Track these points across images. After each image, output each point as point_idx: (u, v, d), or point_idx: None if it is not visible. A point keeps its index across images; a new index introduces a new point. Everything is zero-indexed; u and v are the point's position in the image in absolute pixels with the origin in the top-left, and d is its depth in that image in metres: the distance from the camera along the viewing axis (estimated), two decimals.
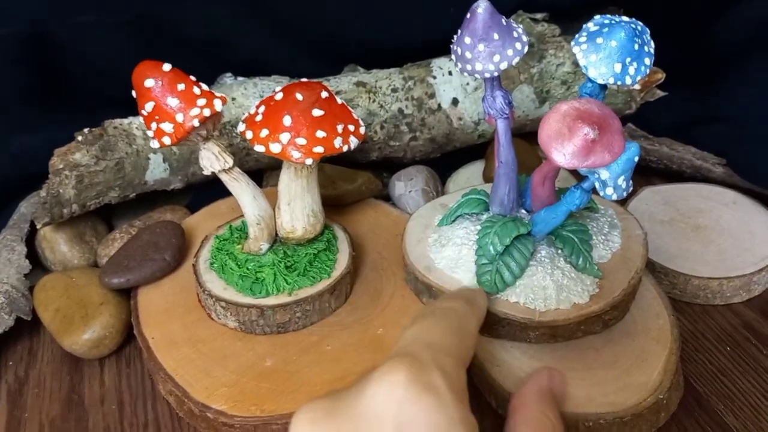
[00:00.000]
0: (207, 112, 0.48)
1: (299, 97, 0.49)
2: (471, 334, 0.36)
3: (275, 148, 0.49)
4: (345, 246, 0.58)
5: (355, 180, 0.66)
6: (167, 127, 0.48)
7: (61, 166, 0.61)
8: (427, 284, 0.53)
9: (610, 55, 0.43)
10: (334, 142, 0.49)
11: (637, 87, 0.66)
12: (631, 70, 0.43)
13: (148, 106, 0.48)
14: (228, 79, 0.73)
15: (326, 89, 0.51)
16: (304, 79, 0.52)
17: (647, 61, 0.43)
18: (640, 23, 0.44)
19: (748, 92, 0.65)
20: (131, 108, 0.52)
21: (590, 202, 0.53)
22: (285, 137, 0.49)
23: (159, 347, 0.53)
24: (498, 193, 0.52)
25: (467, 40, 0.45)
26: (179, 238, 0.60)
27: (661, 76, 0.66)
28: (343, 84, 0.69)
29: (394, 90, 0.69)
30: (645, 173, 0.74)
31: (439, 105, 0.68)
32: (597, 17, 0.45)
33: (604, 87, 0.46)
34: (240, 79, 0.73)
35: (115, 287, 0.58)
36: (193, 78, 0.49)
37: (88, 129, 0.64)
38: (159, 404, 0.54)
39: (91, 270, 0.62)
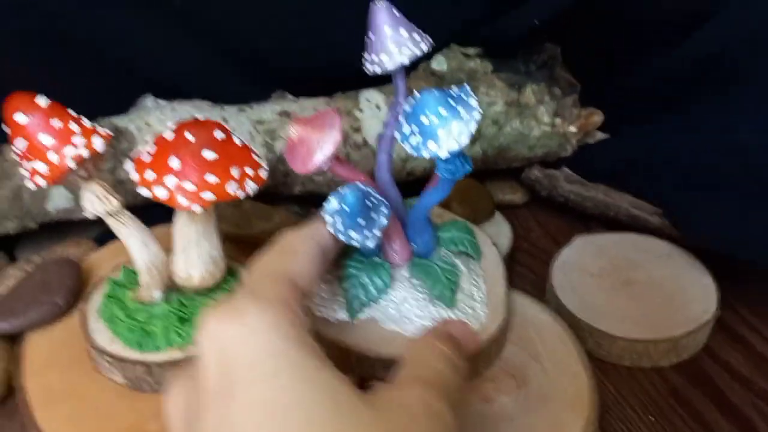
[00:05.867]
0: (85, 153, 0.44)
1: (189, 137, 0.45)
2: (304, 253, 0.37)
3: (160, 193, 0.44)
4: None
5: (271, 218, 0.62)
6: (41, 167, 0.43)
7: None
8: None
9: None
10: (227, 188, 0.45)
11: (573, 129, 0.63)
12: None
13: (19, 144, 0.43)
14: (149, 101, 0.69)
15: (222, 128, 0.47)
16: (198, 116, 0.48)
17: (456, 127, 0.37)
18: (458, 89, 0.39)
19: (684, 138, 0.61)
20: None
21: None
22: (171, 181, 0.44)
23: (36, 402, 0.49)
24: None
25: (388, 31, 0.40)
26: (74, 279, 0.56)
27: (598, 118, 0.63)
28: (266, 113, 0.65)
29: None
30: (583, 219, 0.69)
31: (365, 140, 0.64)
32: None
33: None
34: (161, 102, 0.68)
35: None
36: (73, 113, 0.45)
37: None
38: None
39: None
